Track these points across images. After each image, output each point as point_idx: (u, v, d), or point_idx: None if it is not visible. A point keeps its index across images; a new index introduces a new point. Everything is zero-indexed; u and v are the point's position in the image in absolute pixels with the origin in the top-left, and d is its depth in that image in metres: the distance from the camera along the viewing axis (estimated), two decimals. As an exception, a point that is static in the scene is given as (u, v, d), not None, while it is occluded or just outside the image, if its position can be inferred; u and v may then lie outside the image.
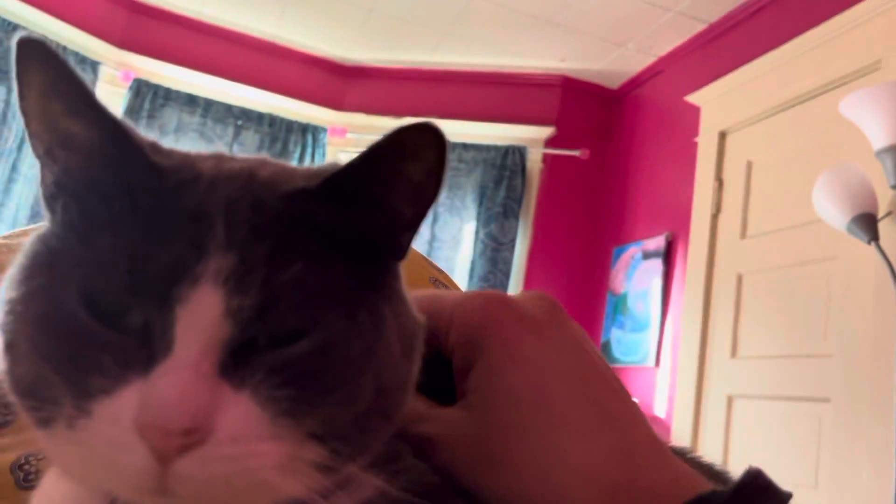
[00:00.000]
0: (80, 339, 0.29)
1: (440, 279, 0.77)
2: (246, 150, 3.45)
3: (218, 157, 0.35)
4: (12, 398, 0.31)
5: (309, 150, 3.42)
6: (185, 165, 0.33)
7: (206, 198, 0.31)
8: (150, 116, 3.32)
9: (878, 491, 1.87)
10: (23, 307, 0.31)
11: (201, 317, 0.29)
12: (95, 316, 0.29)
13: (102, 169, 0.32)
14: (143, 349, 0.29)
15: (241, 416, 0.29)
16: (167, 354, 0.28)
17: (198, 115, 3.43)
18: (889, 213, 2.00)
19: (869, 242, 1.96)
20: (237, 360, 0.29)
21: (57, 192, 0.33)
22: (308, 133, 3.53)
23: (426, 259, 0.81)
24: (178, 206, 0.31)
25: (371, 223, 0.34)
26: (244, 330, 0.29)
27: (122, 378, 0.28)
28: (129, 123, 0.34)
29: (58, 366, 0.29)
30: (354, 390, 0.31)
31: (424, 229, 3.43)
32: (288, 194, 0.33)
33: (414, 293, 0.38)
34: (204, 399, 0.28)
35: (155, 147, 0.34)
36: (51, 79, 0.31)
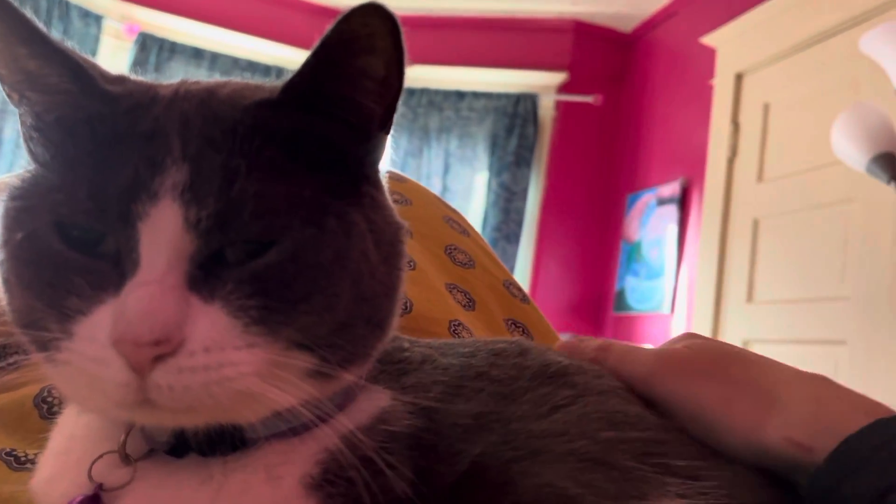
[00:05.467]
0: (57, 266, 0.31)
1: (454, 218, 0.76)
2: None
3: (182, 82, 0.36)
4: (17, 332, 0.33)
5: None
6: (141, 90, 0.34)
7: (162, 117, 0.32)
8: (157, 70, 3.29)
9: (893, 431, 1.88)
10: (5, 242, 0.32)
11: (163, 231, 0.30)
12: (70, 243, 0.31)
13: (66, 105, 0.33)
14: (116, 269, 0.30)
15: (212, 326, 0.30)
16: (135, 271, 0.29)
17: (204, 69, 3.39)
18: (910, 153, 1.96)
19: (889, 182, 1.93)
20: (207, 274, 0.30)
21: (32, 134, 0.35)
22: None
23: (439, 198, 0.80)
24: (133, 128, 0.32)
25: (340, 127, 0.34)
26: (207, 242, 0.30)
27: (97, 298, 0.30)
28: (85, 57, 0.35)
29: (40, 293, 0.31)
30: (330, 297, 0.32)
31: (436, 180, 3.41)
32: (247, 107, 0.33)
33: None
34: (170, 310, 0.29)
35: (115, 78, 0.35)
36: (9, 25, 0.32)
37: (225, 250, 0.30)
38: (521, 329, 0.69)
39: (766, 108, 2.62)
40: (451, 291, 0.66)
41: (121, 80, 0.35)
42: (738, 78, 2.75)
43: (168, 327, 0.28)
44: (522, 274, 3.36)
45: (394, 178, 0.77)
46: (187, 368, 0.29)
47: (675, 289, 2.89)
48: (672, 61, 3.22)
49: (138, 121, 0.32)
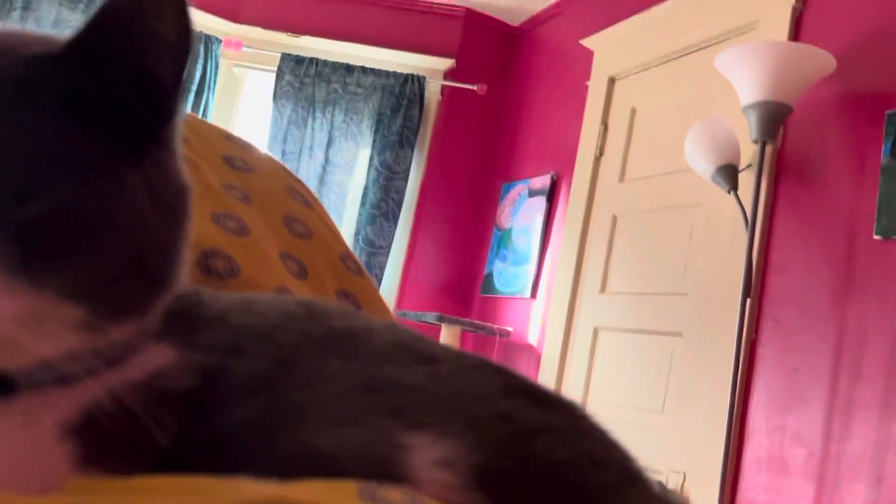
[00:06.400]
0: None
1: (298, 189, 0.79)
2: (131, 54, 3.26)
3: None
4: None
5: (200, 60, 3.28)
6: None
7: None
8: (25, 8, 3.07)
9: (714, 415, 2.08)
10: None
11: None
12: None
13: None
14: None
15: None
16: None
17: (79, 12, 3.20)
18: (749, 166, 2.16)
19: (729, 192, 2.12)
20: None
21: None
22: (200, 43, 3.37)
23: (286, 169, 0.83)
24: None
25: (125, 89, 0.35)
26: None
27: None
28: None
29: None
30: (98, 252, 0.33)
31: (318, 152, 3.39)
32: (23, 60, 0.33)
33: None
34: None
35: None
36: None
37: None
38: (351, 300, 0.74)
39: (633, 112, 2.78)
40: (283, 260, 0.69)
41: None
42: (611, 81, 2.90)
43: None
44: (398, 252, 3.42)
45: (239, 144, 0.79)
46: None
47: (537, 275, 3.04)
48: (553, 59, 3.35)
49: None
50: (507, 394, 0.43)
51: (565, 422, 0.44)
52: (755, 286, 2.10)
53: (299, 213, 0.76)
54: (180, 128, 0.40)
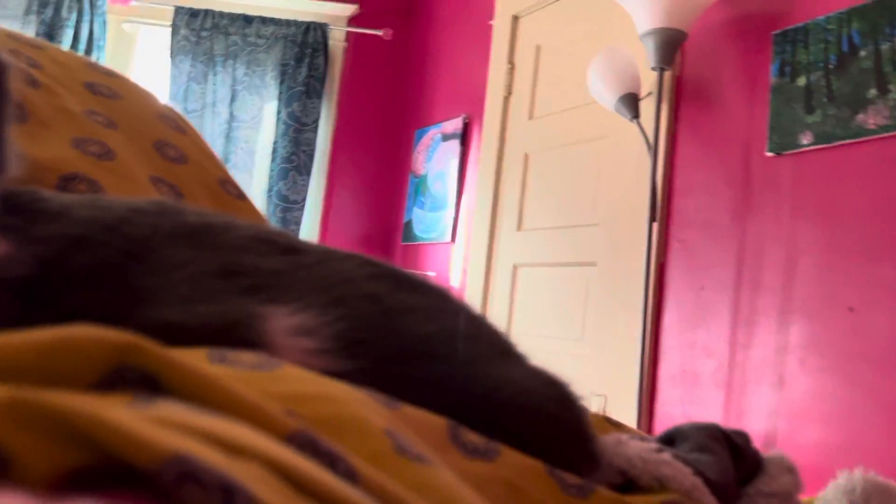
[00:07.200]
0: None
1: (170, 116, 0.76)
2: (10, 12, 3.05)
3: None
4: None
5: (86, 17, 3.10)
6: None
7: None
8: None
9: (629, 338, 2.15)
10: None
11: None
12: None
13: None
14: None
15: None
16: None
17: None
18: (650, 94, 2.20)
19: (632, 120, 2.16)
20: None
21: None
22: (85, -2, 3.18)
23: (156, 98, 0.79)
24: None
25: None
26: None
27: None
28: None
29: None
30: None
31: (222, 108, 3.27)
32: None
33: None
34: None
35: None
36: None
37: None
38: (234, 224, 0.72)
39: (538, 49, 2.79)
40: (155, 184, 0.67)
41: None
42: (515, 19, 2.90)
43: None
44: (314, 206, 3.37)
45: (104, 72, 0.75)
46: None
47: (455, 219, 3.05)
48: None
49: None
50: (375, 278, 0.44)
51: (434, 303, 0.45)
52: (661, 210, 2.16)
53: (172, 138, 0.73)
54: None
